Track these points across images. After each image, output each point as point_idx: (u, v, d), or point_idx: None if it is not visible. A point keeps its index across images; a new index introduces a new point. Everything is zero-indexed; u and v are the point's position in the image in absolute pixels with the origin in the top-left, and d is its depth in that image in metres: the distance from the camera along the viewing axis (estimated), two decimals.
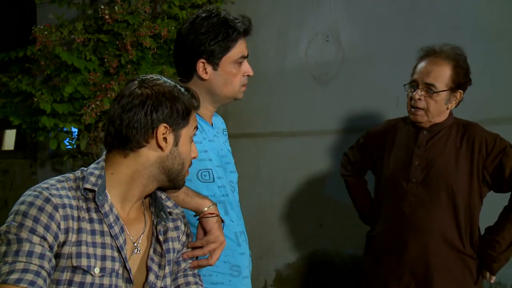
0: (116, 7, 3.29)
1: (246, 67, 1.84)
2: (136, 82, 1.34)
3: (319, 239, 3.34)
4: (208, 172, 1.78)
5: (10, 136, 5.62)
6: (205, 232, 1.55)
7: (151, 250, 1.40)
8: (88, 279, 1.25)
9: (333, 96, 3.30)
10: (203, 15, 1.79)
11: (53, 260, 1.22)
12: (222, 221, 1.60)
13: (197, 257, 1.53)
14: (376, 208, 2.31)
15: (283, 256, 3.50)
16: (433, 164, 2.13)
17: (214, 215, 1.55)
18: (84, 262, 1.25)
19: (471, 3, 2.72)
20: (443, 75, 2.11)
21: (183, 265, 1.49)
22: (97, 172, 1.32)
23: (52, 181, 1.31)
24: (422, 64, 2.15)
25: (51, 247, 1.22)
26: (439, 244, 2.11)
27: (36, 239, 1.19)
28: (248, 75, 1.85)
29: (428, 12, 2.83)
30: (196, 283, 1.49)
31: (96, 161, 1.37)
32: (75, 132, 3.67)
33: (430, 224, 2.11)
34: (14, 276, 1.14)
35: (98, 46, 3.44)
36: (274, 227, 3.54)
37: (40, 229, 1.20)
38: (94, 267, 1.26)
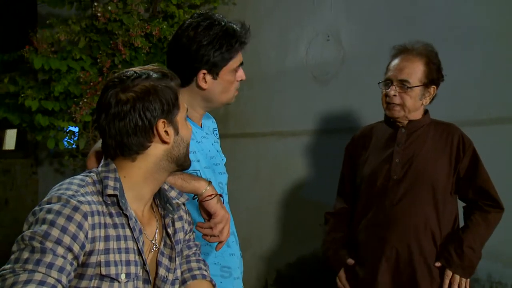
0: (110, 7, 3.30)
1: (240, 72, 1.84)
2: (116, 88, 1.30)
3: (319, 238, 3.33)
4: (196, 173, 1.76)
5: (11, 136, 5.63)
6: (209, 214, 1.57)
7: (162, 244, 1.41)
8: (116, 286, 1.25)
9: (333, 95, 3.30)
10: (205, 23, 1.76)
11: (72, 274, 1.20)
12: (221, 195, 1.63)
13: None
14: (357, 210, 2.30)
15: (283, 256, 3.50)
16: (413, 161, 2.16)
17: (213, 196, 1.57)
18: (113, 270, 1.25)
19: (470, 3, 2.72)
20: (416, 71, 2.15)
21: (185, 252, 1.49)
22: (111, 175, 1.31)
23: (74, 186, 1.27)
24: (395, 62, 2.19)
25: (76, 257, 1.20)
26: (421, 239, 2.12)
27: (60, 250, 1.17)
28: (241, 80, 1.85)
29: (428, 11, 2.83)
30: (199, 268, 1.50)
31: (103, 164, 1.34)
32: (76, 131, 3.68)
33: (412, 220, 2.12)
34: (31, 287, 1.12)
35: (92, 46, 3.45)
36: (274, 226, 3.54)
37: (67, 239, 1.18)
38: (121, 274, 1.26)
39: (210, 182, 1.61)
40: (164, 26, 3.34)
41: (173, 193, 1.48)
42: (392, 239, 2.13)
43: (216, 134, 1.99)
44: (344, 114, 3.25)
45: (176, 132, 1.35)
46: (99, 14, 3.29)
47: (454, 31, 2.71)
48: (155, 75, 1.34)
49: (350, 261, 2.25)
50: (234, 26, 1.80)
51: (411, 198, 2.13)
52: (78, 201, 1.22)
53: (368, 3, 3.10)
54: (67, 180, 1.31)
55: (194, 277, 1.48)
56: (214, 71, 1.77)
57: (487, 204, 2.15)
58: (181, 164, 1.39)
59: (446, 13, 2.75)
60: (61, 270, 1.16)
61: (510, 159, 2.54)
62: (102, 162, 1.35)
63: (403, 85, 2.14)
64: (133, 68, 1.36)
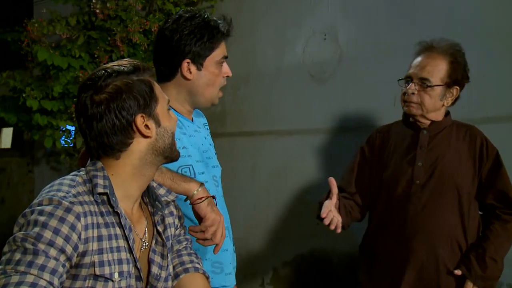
0: (108, 4, 3.29)
1: (226, 68, 1.84)
2: (90, 90, 1.30)
3: (316, 237, 3.33)
4: (189, 168, 1.77)
5: (7, 134, 5.61)
6: (200, 218, 1.56)
7: (153, 242, 1.40)
8: (110, 285, 1.25)
9: (330, 94, 3.30)
10: (186, 15, 1.79)
11: (64, 276, 1.19)
12: (213, 197, 1.61)
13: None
14: (374, 215, 2.21)
15: (280, 254, 3.49)
16: (437, 165, 2.06)
17: (203, 198, 1.56)
18: (107, 270, 1.24)
19: (469, 2, 2.72)
20: (438, 69, 2.06)
21: (176, 247, 1.49)
22: (100, 174, 1.30)
23: (65, 187, 1.27)
24: (418, 59, 2.11)
25: (69, 259, 1.19)
26: (447, 247, 2.04)
27: (53, 252, 1.16)
28: (227, 76, 1.85)
29: (426, 10, 2.83)
30: (191, 262, 1.49)
31: (90, 163, 1.34)
32: (73, 130, 3.67)
33: (437, 227, 2.03)
34: None
35: (90, 43, 3.44)
36: (271, 225, 3.54)
37: (60, 241, 1.17)
38: (114, 273, 1.26)
39: (202, 184, 1.60)
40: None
41: (161, 191, 1.47)
42: (418, 249, 2.03)
43: (207, 129, 2.00)
44: (341, 113, 3.25)
45: (158, 124, 1.34)
46: (97, 11, 3.29)
47: (451, 30, 2.71)
48: (125, 70, 1.32)
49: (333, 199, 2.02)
50: (216, 19, 1.81)
51: (436, 204, 2.04)
52: (70, 202, 1.21)
53: (365, 1, 3.10)
54: (57, 181, 1.30)
55: (186, 271, 1.47)
56: (198, 61, 1.78)
57: (506, 212, 2.06)
58: (168, 155, 1.38)
59: (444, 12, 2.75)
60: (53, 272, 1.16)
61: (507, 158, 2.54)
62: (89, 161, 1.35)
63: (423, 83, 2.05)
64: (105, 65, 1.35)
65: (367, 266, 2.21)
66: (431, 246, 2.03)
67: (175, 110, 1.81)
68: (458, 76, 2.09)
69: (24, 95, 3.38)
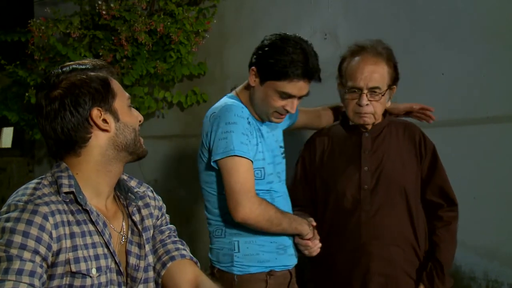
0: (112, 4, 3.29)
1: (290, 103, 1.94)
2: (44, 89, 1.31)
3: None
4: (261, 170, 1.96)
5: (7, 134, 5.61)
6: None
7: (129, 232, 1.41)
8: (88, 281, 1.25)
9: (330, 94, 3.29)
10: (295, 40, 1.95)
11: (44, 276, 1.19)
12: (313, 225, 2.05)
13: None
14: (324, 225, 2.15)
15: None
16: (382, 168, 2.05)
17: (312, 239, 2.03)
18: (83, 266, 1.25)
19: (470, 1, 2.72)
20: (384, 75, 2.03)
21: (158, 237, 1.49)
22: (64, 174, 1.31)
23: (29, 190, 1.27)
24: (359, 66, 2.03)
25: (44, 259, 1.19)
26: (401, 248, 2.05)
27: (27, 254, 1.16)
28: (286, 110, 1.96)
29: (426, 10, 2.82)
30: (177, 249, 1.48)
31: (55, 165, 1.35)
32: None
33: (391, 230, 2.04)
34: None
35: (94, 43, 3.44)
36: None
37: (31, 243, 1.17)
38: (91, 269, 1.26)
39: (310, 224, 2.02)
40: (169, 23, 3.33)
41: (133, 183, 1.48)
42: (373, 252, 2.02)
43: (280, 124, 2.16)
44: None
45: (117, 119, 1.34)
46: (104, 12, 3.29)
47: (453, 29, 2.71)
48: (81, 67, 1.33)
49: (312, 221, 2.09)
50: (313, 58, 1.96)
51: (386, 208, 2.04)
52: (35, 204, 1.22)
53: (366, 1, 3.10)
54: (23, 186, 1.31)
55: (173, 258, 1.46)
56: (262, 75, 1.93)
57: (447, 211, 2.08)
58: (133, 150, 1.38)
59: (445, 11, 2.75)
60: (31, 274, 1.16)
61: (507, 158, 2.54)
62: (54, 164, 1.36)
63: (373, 92, 2.01)
64: (63, 64, 1.36)
65: (320, 276, 2.18)
66: (387, 249, 2.03)
67: (251, 114, 2.01)
68: (396, 75, 2.08)
69: (27, 94, 3.38)
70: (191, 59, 3.57)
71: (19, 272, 1.14)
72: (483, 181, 2.59)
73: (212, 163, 1.93)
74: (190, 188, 3.86)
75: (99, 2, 3.34)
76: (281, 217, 1.93)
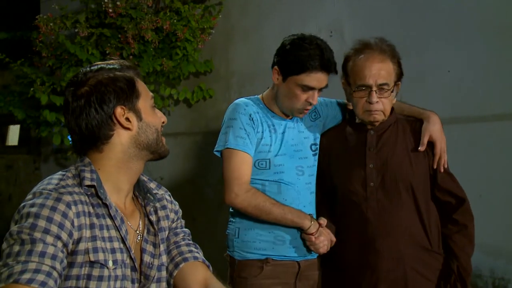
0: (118, 2, 3.31)
1: (311, 95, 2.04)
2: (72, 86, 1.35)
3: None
4: (266, 161, 2.07)
5: (14, 132, 5.65)
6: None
7: (145, 231, 1.43)
8: (105, 272, 1.28)
9: (336, 91, 3.29)
10: (310, 39, 2.07)
11: (65, 261, 1.23)
12: (319, 223, 2.06)
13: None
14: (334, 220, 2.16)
15: None
16: (388, 165, 2.05)
17: (314, 233, 2.04)
18: (101, 256, 1.28)
19: None
20: (390, 71, 2.03)
21: (173, 239, 1.52)
22: (87, 168, 1.34)
23: (54, 180, 1.31)
24: (366, 64, 2.03)
25: (65, 245, 1.23)
26: (410, 245, 2.03)
27: (49, 239, 1.20)
28: (309, 102, 2.05)
29: (431, 7, 2.82)
30: (190, 251, 1.51)
31: (79, 160, 1.38)
32: None
33: (398, 227, 2.03)
34: (26, 276, 1.14)
35: (101, 40, 3.46)
36: None
37: (54, 228, 1.21)
38: (109, 261, 1.29)
39: (311, 218, 2.05)
40: (175, 21, 3.34)
41: (152, 185, 1.52)
42: (381, 249, 2.02)
43: (313, 120, 2.23)
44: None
45: (139, 118, 1.37)
46: (110, 10, 3.30)
47: (458, 27, 2.71)
48: (109, 67, 1.37)
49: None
50: (329, 51, 2.05)
51: (393, 204, 2.03)
52: (60, 193, 1.26)
53: None
54: (47, 178, 1.35)
55: (185, 260, 1.49)
56: (283, 72, 2.05)
57: (459, 213, 2.07)
58: (155, 149, 1.42)
59: (451, 8, 2.74)
60: (53, 257, 1.19)
61: None
62: (78, 158, 1.40)
63: (382, 89, 2.02)
64: (93, 64, 1.40)
65: (328, 274, 2.19)
66: (395, 247, 2.02)
67: (270, 110, 2.13)
68: (401, 70, 2.09)
69: (32, 89, 3.40)
70: (197, 56, 3.58)
71: (42, 254, 1.18)
72: (489, 179, 2.58)
73: (214, 152, 2.14)
74: (195, 185, 3.88)
75: (105, 0, 3.35)
76: (271, 206, 2.01)
